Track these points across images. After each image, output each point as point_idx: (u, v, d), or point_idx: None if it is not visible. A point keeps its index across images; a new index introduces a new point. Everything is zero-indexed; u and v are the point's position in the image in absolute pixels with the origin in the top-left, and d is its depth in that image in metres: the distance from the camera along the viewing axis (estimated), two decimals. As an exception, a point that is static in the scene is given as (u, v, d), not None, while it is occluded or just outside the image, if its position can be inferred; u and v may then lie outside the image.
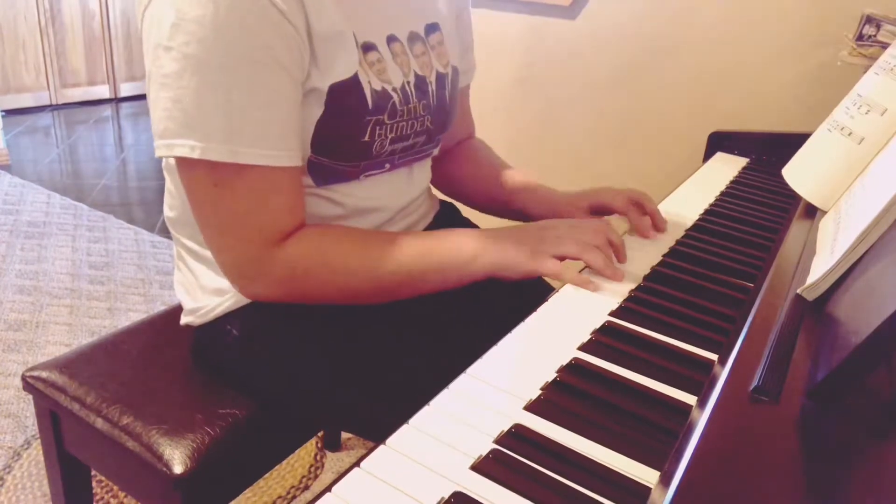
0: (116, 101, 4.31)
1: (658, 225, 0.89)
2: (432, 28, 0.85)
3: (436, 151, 0.93)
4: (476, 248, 0.73)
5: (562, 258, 0.73)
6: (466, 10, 0.95)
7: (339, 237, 0.76)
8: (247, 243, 0.71)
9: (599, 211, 0.93)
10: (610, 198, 0.92)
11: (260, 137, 0.67)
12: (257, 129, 0.67)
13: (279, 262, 0.72)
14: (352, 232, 0.78)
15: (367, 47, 0.74)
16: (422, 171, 0.93)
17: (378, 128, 0.76)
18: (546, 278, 0.79)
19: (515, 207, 0.98)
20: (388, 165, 0.82)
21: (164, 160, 0.83)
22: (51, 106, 4.01)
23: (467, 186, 1.04)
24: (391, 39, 0.78)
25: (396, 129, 0.78)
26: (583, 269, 0.74)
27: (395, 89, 0.76)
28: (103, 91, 4.24)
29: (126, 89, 4.33)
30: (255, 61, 0.65)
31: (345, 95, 0.72)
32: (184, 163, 0.69)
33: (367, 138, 0.75)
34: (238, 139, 0.66)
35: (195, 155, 0.65)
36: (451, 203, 1.07)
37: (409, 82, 0.79)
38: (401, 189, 0.88)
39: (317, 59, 0.70)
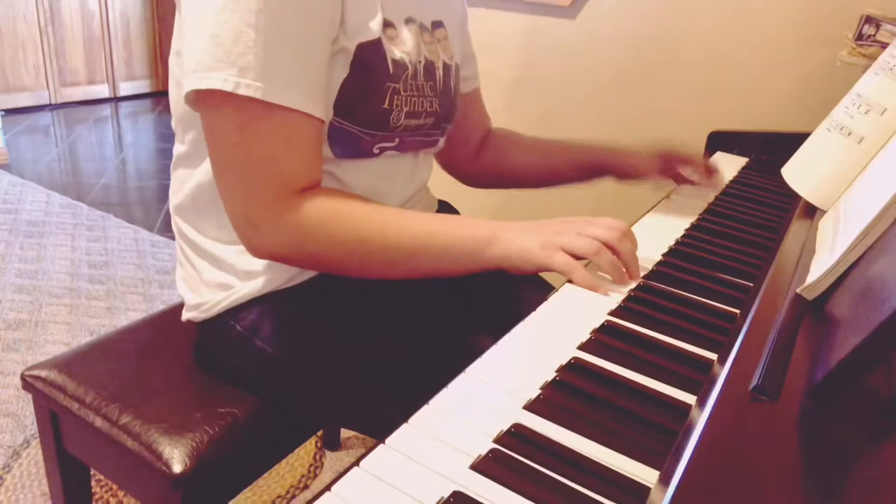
0: (116, 100, 4.31)
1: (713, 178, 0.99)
2: (438, 24, 0.88)
3: (441, 142, 0.94)
4: (489, 236, 0.72)
5: (573, 255, 0.72)
6: (465, 25, 1.00)
7: (357, 201, 0.76)
8: (262, 190, 0.71)
9: (673, 160, 1.00)
10: (684, 152, 1.00)
11: (294, 81, 0.68)
12: (292, 73, 0.68)
13: (292, 213, 0.71)
14: (369, 200, 0.78)
15: (385, 23, 0.76)
16: (426, 162, 0.95)
17: (395, 97, 0.77)
18: (546, 275, 0.80)
19: (578, 159, 1.03)
20: (397, 140, 0.83)
21: (175, 147, 0.83)
22: (50, 105, 4.01)
23: (522, 161, 1.08)
24: (408, 21, 0.81)
25: (410, 103, 0.80)
26: (587, 264, 0.73)
27: (410, 62, 0.79)
28: (103, 90, 4.24)
29: (125, 88, 4.34)
30: (295, 7, 0.67)
31: (369, 57, 0.74)
32: (212, 100, 0.69)
33: (386, 105, 0.77)
34: (272, 79, 0.67)
35: (228, 87, 0.66)
36: (447, 203, 1.08)
37: (420, 62, 0.81)
38: (405, 177, 0.89)
39: (345, 21, 0.71)
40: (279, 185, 0.71)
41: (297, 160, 0.71)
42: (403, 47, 0.78)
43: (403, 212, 0.77)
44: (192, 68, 0.67)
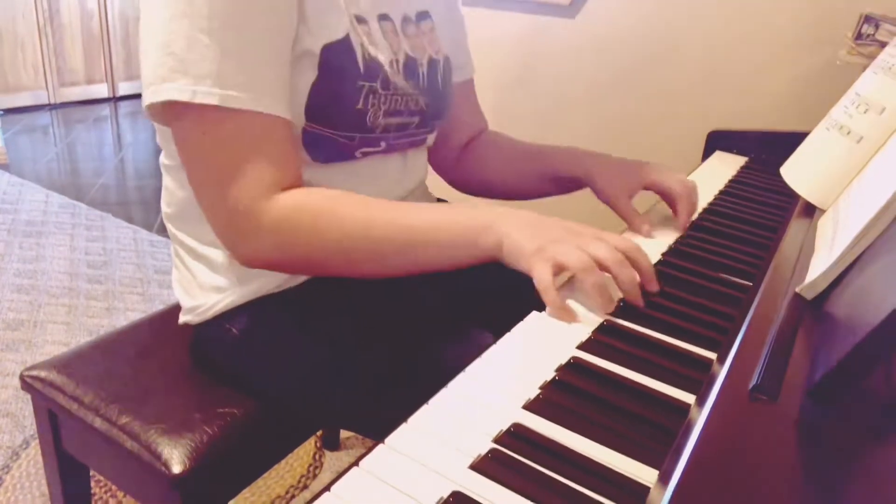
0: (115, 100, 4.30)
1: (687, 221, 0.88)
2: (423, 15, 0.86)
3: (430, 139, 0.93)
4: (486, 222, 0.66)
5: (564, 267, 0.65)
6: (457, 5, 0.96)
7: (340, 196, 0.73)
8: (237, 196, 0.69)
9: (654, 190, 0.91)
10: (666, 182, 0.89)
11: (251, 83, 0.66)
12: (249, 75, 0.66)
13: (271, 216, 0.69)
14: (353, 194, 0.74)
15: (358, 19, 0.75)
16: (417, 161, 0.93)
17: (371, 96, 0.75)
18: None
19: (555, 172, 0.95)
20: (383, 144, 0.81)
21: (161, 155, 0.83)
22: (49, 105, 4.00)
23: (500, 172, 1.01)
24: (382, 18, 0.79)
25: (390, 102, 0.78)
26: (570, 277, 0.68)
27: (385, 60, 0.77)
28: (102, 90, 4.24)
29: (124, 88, 4.33)
30: (247, 8, 0.65)
31: (337, 57, 0.72)
32: (172, 111, 0.68)
33: (360, 106, 0.75)
34: (229, 83, 0.65)
35: (184, 97, 0.64)
36: (447, 203, 1.07)
37: (397, 60, 0.79)
38: (395, 178, 0.88)
39: (306, 17, 0.70)
40: (254, 189, 0.69)
41: (268, 162, 0.69)
42: (374, 48, 0.76)
43: (392, 203, 0.73)
44: (147, 81, 0.66)
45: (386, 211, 0.71)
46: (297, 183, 0.73)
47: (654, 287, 0.68)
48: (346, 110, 0.75)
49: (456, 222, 0.68)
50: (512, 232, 0.65)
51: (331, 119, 0.75)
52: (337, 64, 0.72)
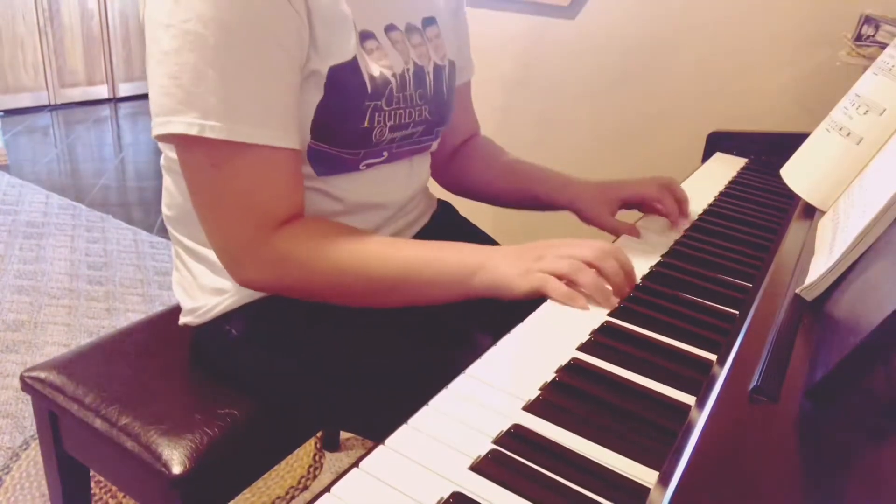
0: (115, 100, 4.31)
1: (685, 211, 0.90)
2: (429, 21, 0.86)
3: (434, 145, 0.93)
4: (477, 263, 0.69)
5: (558, 276, 0.68)
6: (462, 7, 0.96)
7: (337, 232, 0.75)
8: (241, 226, 0.70)
9: (631, 204, 0.93)
10: (640, 188, 0.91)
11: (259, 116, 0.67)
12: (257, 108, 0.66)
13: (271, 248, 0.71)
14: (351, 229, 0.77)
15: (364, 35, 0.75)
16: (421, 166, 0.93)
17: (377, 114, 0.76)
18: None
19: (536, 196, 0.97)
20: (386, 154, 0.82)
21: (162, 158, 0.83)
22: (49, 106, 4.00)
23: (483, 183, 1.03)
24: (389, 28, 0.79)
25: (395, 117, 0.78)
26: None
27: (394, 75, 0.77)
28: (102, 91, 4.24)
29: (124, 89, 4.33)
30: (255, 40, 0.65)
31: (344, 79, 0.72)
32: (181, 142, 0.69)
33: (366, 124, 0.75)
34: (237, 117, 0.65)
35: (193, 132, 0.65)
36: (448, 203, 1.07)
37: (408, 70, 0.79)
38: (401, 183, 0.88)
39: (316, 42, 0.70)
40: (258, 221, 0.70)
41: (274, 194, 0.70)
42: (384, 61, 0.76)
43: (388, 241, 0.75)
44: (155, 111, 0.66)
45: (380, 248, 0.73)
46: (300, 212, 0.74)
47: (633, 279, 0.72)
48: (351, 129, 0.75)
49: (451, 260, 0.71)
50: (500, 267, 0.68)
51: (336, 137, 0.75)
52: (343, 85, 0.72)
